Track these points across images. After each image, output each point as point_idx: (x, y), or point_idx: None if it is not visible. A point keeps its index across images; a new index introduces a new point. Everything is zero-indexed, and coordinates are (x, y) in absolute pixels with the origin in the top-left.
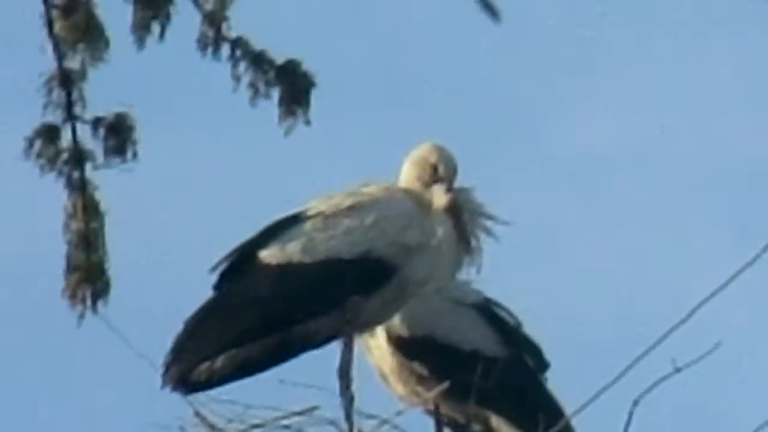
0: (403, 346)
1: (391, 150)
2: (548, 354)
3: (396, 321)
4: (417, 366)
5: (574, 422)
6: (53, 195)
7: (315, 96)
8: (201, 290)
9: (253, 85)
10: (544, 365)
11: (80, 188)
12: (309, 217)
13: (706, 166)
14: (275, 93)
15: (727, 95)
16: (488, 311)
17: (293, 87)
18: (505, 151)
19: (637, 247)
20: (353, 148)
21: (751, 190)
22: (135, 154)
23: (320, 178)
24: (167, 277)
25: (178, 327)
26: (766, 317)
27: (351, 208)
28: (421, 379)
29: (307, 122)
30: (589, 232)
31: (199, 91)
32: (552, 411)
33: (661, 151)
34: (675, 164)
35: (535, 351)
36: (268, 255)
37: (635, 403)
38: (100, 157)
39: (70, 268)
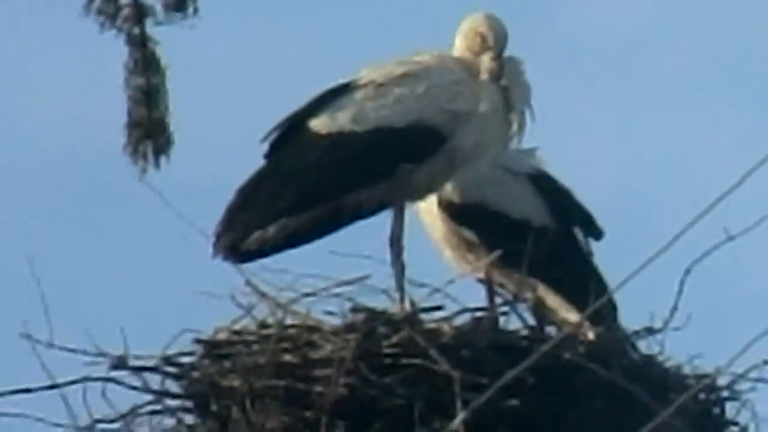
0: (453, 212)
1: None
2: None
3: (447, 187)
4: (467, 233)
5: (626, 291)
6: (114, 51)
7: None
8: (254, 159)
9: None
10: (598, 233)
11: (141, 44)
12: (360, 86)
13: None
14: None
15: None
16: (540, 182)
17: None
18: (529, 34)
19: (682, 121)
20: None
21: None
22: (196, 10)
23: (375, 45)
24: (223, 141)
25: (229, 196)
26: None
27: (402, 77)
28: (470, 246)
29: None
30: (629, 109)
31: None
32: (597, 284)
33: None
34: (700, 45)
35: (588, 220)
36: (319, 124)
37: (687, 271)
38: (160, 13)
39: (132, 124)
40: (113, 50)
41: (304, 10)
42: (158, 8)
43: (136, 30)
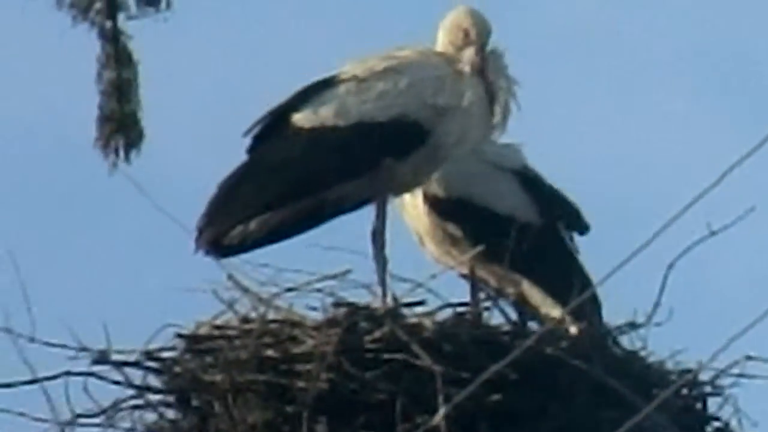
0: (438, 206)
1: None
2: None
3: (432, 181)
4: (451, 227)
5: (609, 286)
6: (87, 45)
7: None
8: (231, 153)
9: None
10: (584, 227)
11: (113, 38)
12: (342, 81)
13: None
14: None
15: None
16: (526, 177)
17: None
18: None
19: (665, 116)
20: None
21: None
22: (169, 5)
23: (357, 39)
24: (199, 134)
25: (209, 190)
26: None
27: (384, 72)
28: (454, 241)
29: None
30: (612, 103)
31: None
32: (581, 279)
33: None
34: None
35: (575, 214)
36: (302, 118)
37: (670, 266)
38: (133, 7)
39: (103, 117)
40: (86, 44)
41: (280, 3)
42: (131, 2)
43: (109, 24)
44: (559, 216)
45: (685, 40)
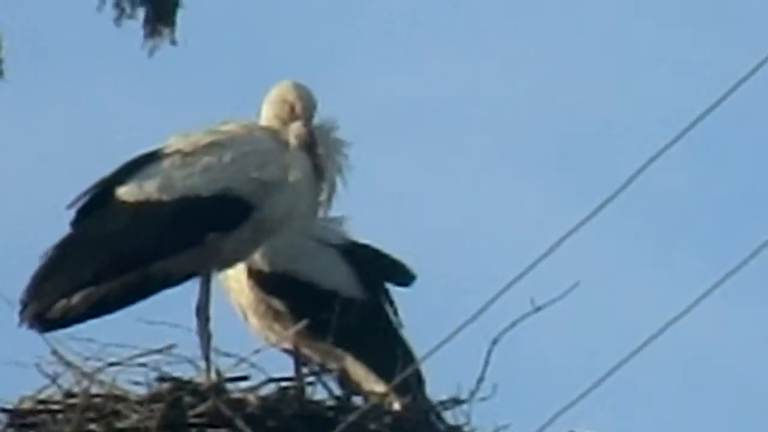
0: (262, 281)
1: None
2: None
3: (256, 256)
4: (275, 302)
5: (433, 361)
6: None
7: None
8: (54, 225)
9: (118, 5)
10: (409, 278)
11: None
12: (167, 155)
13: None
14: (141, 13)
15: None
16: (350, 252)
17: (159, 6)
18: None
19: (487, 189)
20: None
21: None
22: (0, 74)
23: (179, 113)
24: (23, 206)
25: (33, 263)
26: (624, 257)
27: (208, 146)
28: (278, 316)
29: (173, 42)
30: (434, 177)
31: (65, 11)
32: (404, 354)
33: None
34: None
35: (399, 268)
36: (126, 192)
37: (494, 341)
38: None
39: None
40: None
41: (107, 73)
42: None
43: None
44: (384, 288)
45: (514, 115)
